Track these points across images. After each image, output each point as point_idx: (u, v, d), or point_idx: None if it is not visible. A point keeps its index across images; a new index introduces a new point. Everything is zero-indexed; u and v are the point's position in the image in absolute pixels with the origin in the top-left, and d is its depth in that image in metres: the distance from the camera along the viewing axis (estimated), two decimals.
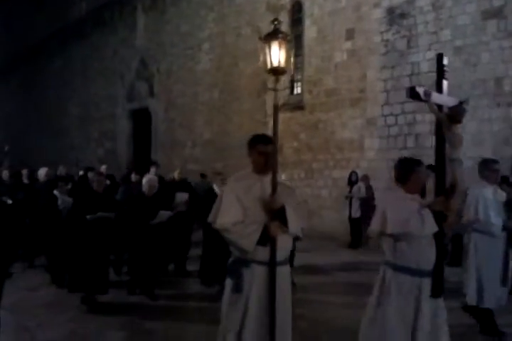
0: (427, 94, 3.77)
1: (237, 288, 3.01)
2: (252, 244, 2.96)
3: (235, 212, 3.04)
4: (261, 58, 3.24)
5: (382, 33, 11.54)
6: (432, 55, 10.54)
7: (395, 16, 11.28)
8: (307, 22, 13.36)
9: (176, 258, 7.94)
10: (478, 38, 9.74)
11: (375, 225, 3.52)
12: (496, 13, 9.49)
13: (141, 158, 18.65)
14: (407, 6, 11.05)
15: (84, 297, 5.85)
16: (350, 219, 10.89)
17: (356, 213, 10.96)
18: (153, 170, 9.30)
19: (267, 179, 3.10)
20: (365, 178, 11.18)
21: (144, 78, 19.31)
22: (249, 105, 14.79)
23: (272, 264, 3.00)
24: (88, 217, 5.80)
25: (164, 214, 6.39)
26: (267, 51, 3.20)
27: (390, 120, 11.28)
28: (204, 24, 16.55)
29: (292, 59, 3.63)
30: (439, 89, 3.91)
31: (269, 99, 14.28)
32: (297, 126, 13.47)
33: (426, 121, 10.40)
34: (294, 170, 13.38)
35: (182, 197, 7.99)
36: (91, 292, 5.85)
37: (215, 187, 7.07)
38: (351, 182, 11.22)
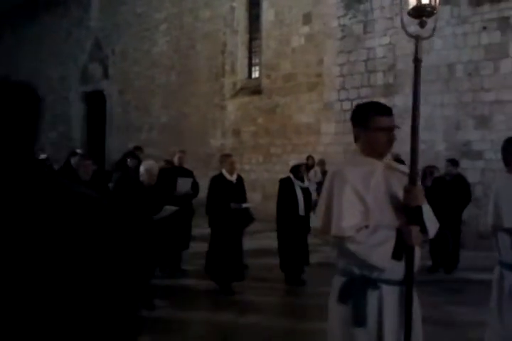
0: None
1: (360, 321, 2.16)
2: (387, 257, 2.14)
3: (357, 213, 2.18)
4: None
5: (339, 17, 11.58)
6: (387, 40, 10.67)
7: (351, 1, 11.33)
8: (265, 5, 13.27)
9: (170, 256, 6.84)
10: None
11: (488, 218, 2.98)
12: (449, 0, 9.66)
13: (95, 142, 18.26)
14: None
15: None
16: None
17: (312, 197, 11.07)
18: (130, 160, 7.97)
19: (384, 165, 2.32)
20: (321, 163, 11.32)
21: (98, 60, 18.81)
22: (207, 88, 14.66)
23: (409, 283, 2.18)
24: None
25: (170, 209, 5.49)
26: None
27: (346, 105, 11.40)
28: (161, 5, 16.20)
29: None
30: None
31: (227, 82, 14.19)
32: (255, 110, 13.45)
33: None
34: (252, 154, 13.40)
35: (185, 183, 6.96)
36: None
37: (225, 174, 6.08)
38: (307, 166, 11.33)
